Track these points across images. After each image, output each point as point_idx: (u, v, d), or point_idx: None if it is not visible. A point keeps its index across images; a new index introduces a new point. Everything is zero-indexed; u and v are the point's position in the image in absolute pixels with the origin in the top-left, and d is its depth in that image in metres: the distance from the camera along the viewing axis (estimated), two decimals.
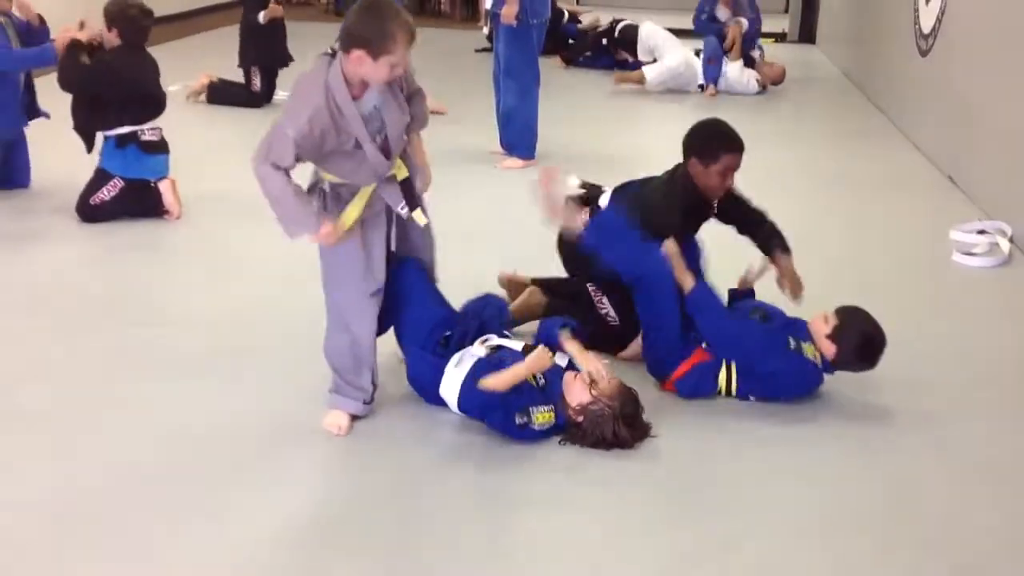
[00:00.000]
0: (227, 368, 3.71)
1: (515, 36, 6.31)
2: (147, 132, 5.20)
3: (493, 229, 5.43)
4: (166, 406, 3.44)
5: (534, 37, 6.42)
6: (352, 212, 3.24)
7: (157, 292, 4.45)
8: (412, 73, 3.30)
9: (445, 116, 7.97)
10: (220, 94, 8.13)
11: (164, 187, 5.26)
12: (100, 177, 5.20)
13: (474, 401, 3.20)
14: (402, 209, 3.32)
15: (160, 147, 5.27)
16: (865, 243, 5.43)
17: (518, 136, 6.61)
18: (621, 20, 10.75)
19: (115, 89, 5.06)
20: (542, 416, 3.22)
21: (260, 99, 8.08)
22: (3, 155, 5.50)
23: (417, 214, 3.37)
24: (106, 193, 5.17)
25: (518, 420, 3.18)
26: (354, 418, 3.36)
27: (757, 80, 9.48)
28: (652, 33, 9.81)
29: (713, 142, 3.83)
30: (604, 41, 10.62)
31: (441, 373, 3.31)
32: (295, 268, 4.65)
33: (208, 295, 4.38)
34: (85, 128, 5.22)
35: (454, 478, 3.10)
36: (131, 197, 5.21)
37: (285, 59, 8.18)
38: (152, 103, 5.25)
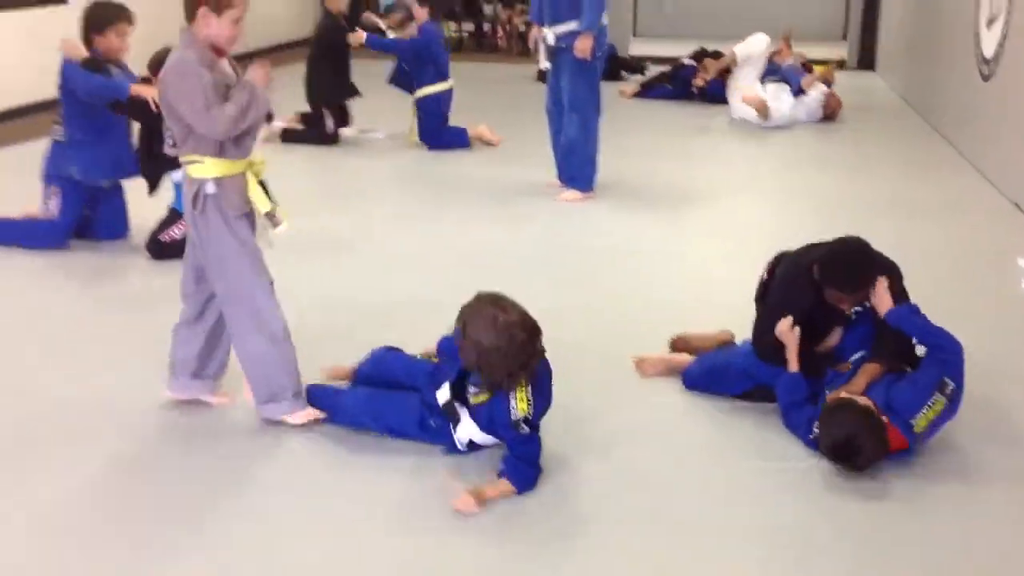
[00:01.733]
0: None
1: (581, 69, 6.37)
2: None
3: (552, 260, 5.46)
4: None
5: (598, 70, 6.49)
6: (260, 197, 3.38)
7: None
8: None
9: (499, 148, 8.07)
10: (294, 134, 8.28)
11: None
12: (172, 216, 5.34)
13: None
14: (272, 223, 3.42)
15: None
16: (932, 271, 5.35)
17: (578, 168, 6.64)
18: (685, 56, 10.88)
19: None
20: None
21: (333, 139, 8.22)
22: (98, 205, 5.59)
23: (281, 212, 3.50)
24: (176, 231, 5.30)
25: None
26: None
27: (822, 106, 9.49)
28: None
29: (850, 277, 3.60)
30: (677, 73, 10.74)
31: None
32: (364, 303, 4.75)
33: None
34: (150, 173, 5.39)
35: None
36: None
37: (353, 92, 8.33)
38: None
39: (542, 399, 3.25)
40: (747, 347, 3.79)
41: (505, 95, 11.03)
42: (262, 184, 3.48)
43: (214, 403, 3.66)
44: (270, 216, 3.43)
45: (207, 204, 3.34)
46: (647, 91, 10.85)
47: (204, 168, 3.33)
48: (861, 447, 3.24)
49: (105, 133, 5.37)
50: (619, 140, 7.86)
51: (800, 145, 8.63)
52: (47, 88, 5.77)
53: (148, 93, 5.15)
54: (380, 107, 8.80)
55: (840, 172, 7.50)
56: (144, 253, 5.33)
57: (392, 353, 3.71)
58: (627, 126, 8.98)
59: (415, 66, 8.04)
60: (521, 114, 9.20)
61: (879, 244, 3.68)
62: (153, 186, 5.43)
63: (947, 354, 3.39)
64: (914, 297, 3.59)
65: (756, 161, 8.16)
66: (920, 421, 3.33)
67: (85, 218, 5.57)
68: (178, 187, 5.31)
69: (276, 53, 14.10)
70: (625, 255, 5.55)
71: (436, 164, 7.73)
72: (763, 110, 9.13)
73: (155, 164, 5.33)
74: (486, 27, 15.84)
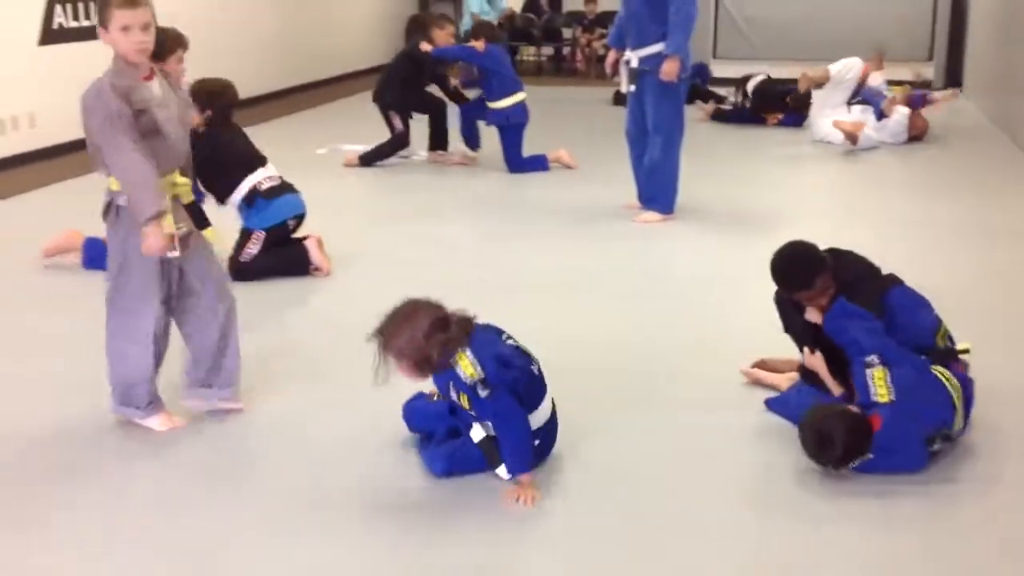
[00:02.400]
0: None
1: (666, 92, 6.37)
2: (265, 181, 5.43)
3: (631, 281, 5.45)
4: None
5: (683, 93, 6.50)
6: (167, 219, 3.40)
7: (304, 346, 4.57)
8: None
9: (577, 170, 8.12)
10: (372, 157, 8.43)
11: (311, 245, 5.44)
12: (243, 236, 5.42)
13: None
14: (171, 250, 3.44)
15: (284, 189, 5.49)
16: (1017, 299, 5.24)
17: (660, 190, 6.63)
18: (754, 76, 10.78)
19: (216, 154, 5.28)
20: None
21: (405, 137, 8.41)
22: None
23: (210, 232, 3.60)
24: (252, 248, 5.38)
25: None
26: None
27: (906, 128, 9.36)
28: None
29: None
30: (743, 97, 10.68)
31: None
32: None
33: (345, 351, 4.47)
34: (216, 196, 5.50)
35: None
36: (279, 253, 5.42)
37: (420, 108, 8.50)
38: (250, 160, 5.48)
39: (486, 353, 3.24)
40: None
41: (583, 118, 11.07)
42: (192, 205, 3.57)
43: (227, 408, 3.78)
44: (171, 238, 3.42)
45: (118, 215, 3.46)
46: (724, 114, 10.81)
47: (118, 183, 3.42)
48: (833, 436, 3.24)
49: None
50: (699, 162, 7.81)
51: (884, 168, 8.52)
52: None
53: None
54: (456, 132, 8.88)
55: (924, 195, 7.38)
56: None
57: (410, 406, 3.68)
58: (707, 149, 8.94)
59: (482, 82, 8.33)
60: (599, 136, 9.23)
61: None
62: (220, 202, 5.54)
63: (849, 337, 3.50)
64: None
65: (838, 184, 8.06)
66: (880, 391, 3.36)
67: None
68: (240, 207, 5.43)
69: (365, 77, 14.37)
70: (705, 278, 5.52)
71: (515, 187, 7.79)
72: (853, 136, 9.04)
73: (215, 193, 5.44)
74: (565, 51, 15.93)
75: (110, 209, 3.49)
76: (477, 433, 3.36)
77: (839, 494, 3.28)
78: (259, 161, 5.50)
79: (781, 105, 10.28)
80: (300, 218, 5.51)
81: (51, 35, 8.57)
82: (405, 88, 8.38)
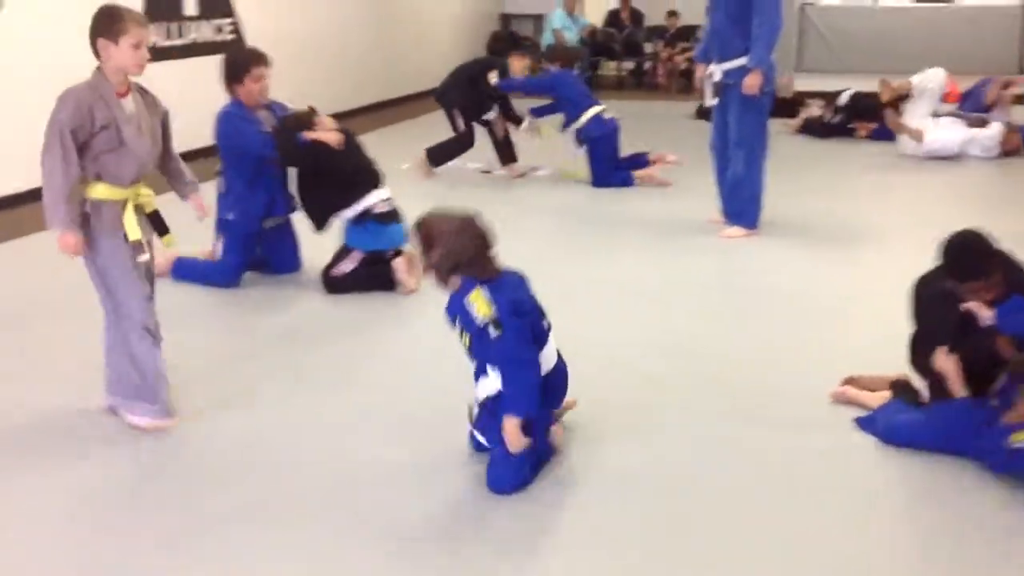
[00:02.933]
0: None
1: (750, 105, 6.34)
2: (380, 205, 5.49)
3: (714, 296, 5.42)
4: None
5: (767, 106, 6.45)
6: (131, 226, 3.68)
7: (391, 357, 4.62)
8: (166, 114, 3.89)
9: (659, 183, 8.12)
10: (438, 155, 8.57)
11: (397, 264, 5.49)
12: (343, 251, 5.52)
13: None
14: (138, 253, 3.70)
15: (394, 217, 5.56)
16: None
17: (743, 205, 6.58)
18: (846, 90, 10.66)
19: (329, 162, 5.40)
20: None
21: (469, 137, 8.55)
22: (269, 243, 5.81)
23: (168, 239, 3.89)
24: (347, 265, 5.49)
25: None
26: None
27: (999, 143, 9.19)
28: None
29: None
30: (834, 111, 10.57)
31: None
32: None
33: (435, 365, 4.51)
34: (316, 212, 5.61)
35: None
36: (369, 272, 5.50)
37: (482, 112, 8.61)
38: (366, 174, 5.55)
39: (504, 296, 3.28)
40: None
41: (665, 133, 11.02)
42: (155, 214, 3.82)
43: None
44: (136, 244, 3.70)
45: (87, 220, 3.65)
46: (812, 127, 10.69)
47: (89, 188, 3.63)
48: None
49: (256, 179, 5.59)
50: (785, 176, 7.73)
51: (974, 183, 8.34)
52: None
53: (327, 138, 5.37)
54: (545, 145, 8.91)
55: (1014, 211, 7.21)
56: (318, 287, 5.52)
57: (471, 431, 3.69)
58: (793, 162, 8.84)
59: (557, 107, 8.42)
60: (681, 150, 9.18)
61: None
62: (319, 225, 5.64)
63: None
64: None
65: (925, 199, 7.90)
66: None
67: (260, 255, 5.81)
68: (346, 224, 5.53)
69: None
70: (789, 294, 5.46)
71: (597, 200, 7.79)
72: (918, 134, 9.07)
73: (319, 205, 5.55)
74: (646, 65, 15.88)
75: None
76: (484, 389, 3.40)
77: (945, 510, 3.22)
78: (377, 178, 5.58)
79: (873, 116, 10.12)
80: (399, 250, 5.56)
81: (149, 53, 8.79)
82: (472, 89, 8.50)
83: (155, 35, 8.92)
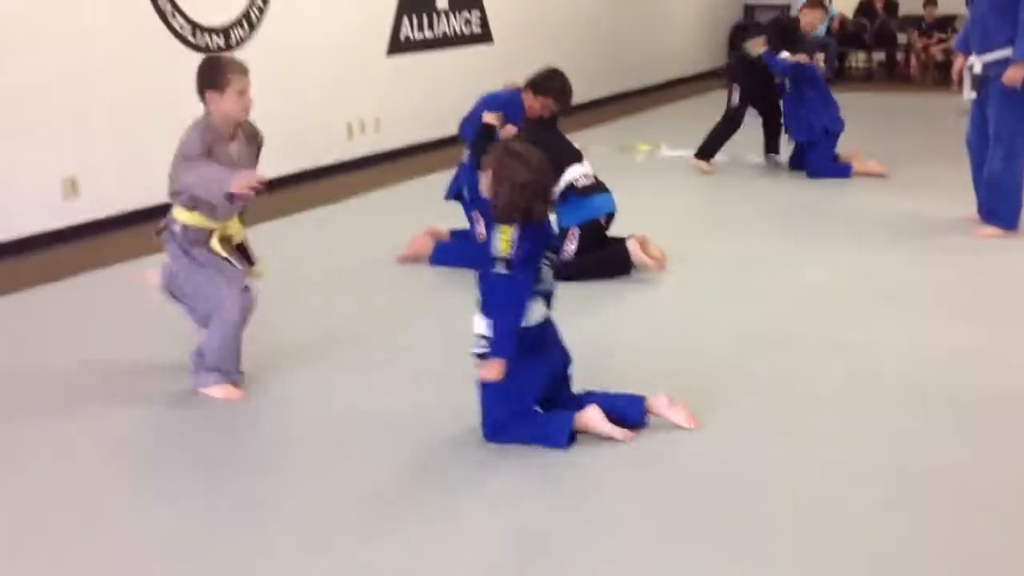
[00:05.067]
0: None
1: (1011, 99, 6.01)
2: (580, 179, 5.53)
3: (970, 299, 5.17)
4: None
5: None
6: (216, 248, 3.94)
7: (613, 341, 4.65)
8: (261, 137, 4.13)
9: (910, 180, 7.79)
10: (706, 146, 8.48)
11: (631, 245, 5.51)
12: (560, 235, 5.51)
13: None
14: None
15: (597, 188, 5.59)
16: None
17: (1001, 203, 6.25)
18: None
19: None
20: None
21: (739, 112, 8.37)
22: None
23: (255, 270, 4.09)
24: (571, 245, 5.52)
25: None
26: None
27: None
28: None
29: None
30: None
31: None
32: (764, 336, 4.72)
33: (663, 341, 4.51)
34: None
35: None
36: (600, 255, 5.54)
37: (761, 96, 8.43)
38: (567, 156, 5.57)
39: (529, 246, 3.40)
40: None
41: (918, 126, 10.58)
42: (241, 246, 4.07)
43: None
44: (226, 263, 3.95)
45: (172, 237, 3.95)
46: None
47: (178, 212, 3.94)
48: None
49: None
50: None
51: None
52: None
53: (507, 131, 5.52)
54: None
55: None
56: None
57: None
58: None
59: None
60: (935, 145, 8.82)
61: None
62: None
63: None
64: None
65: None
66: None
67: None
68: (556, 209, 5.47)
69: (688, 84, 14.44)
70: None
71: (836, 195, 7.56)
72: None
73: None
74: (899, 56, 15.25)
75: (164, 231, 3.99)
76: (479, 325, 3.50)
77: None
78: (576, 157, 5.64)
79: None
80: (611, 216, 5.61)
81: (398, 45, 9.18)
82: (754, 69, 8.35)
83: (407, 29, 9.29)
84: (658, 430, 3.64)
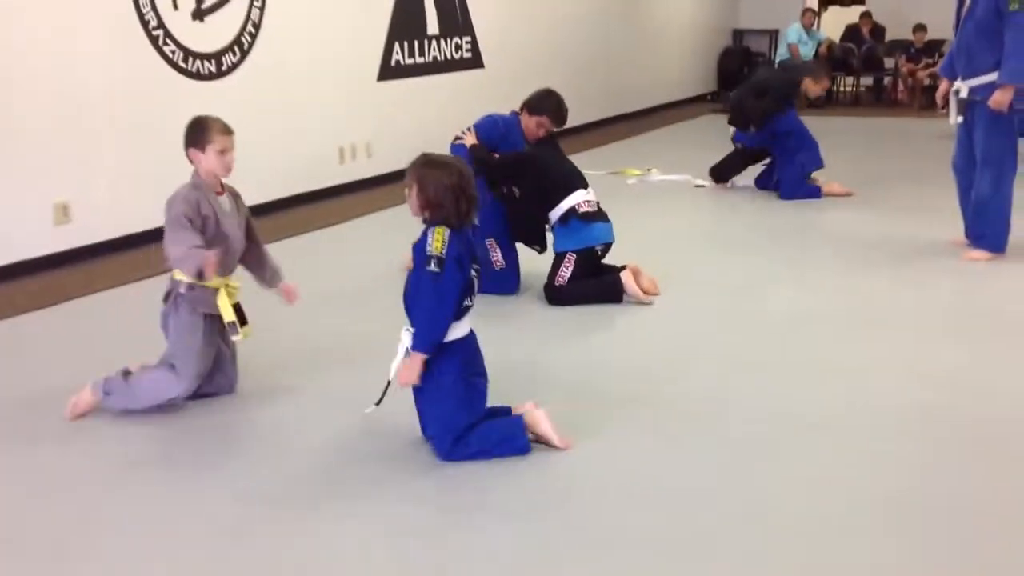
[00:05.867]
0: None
1: (998, 123, 6.08)
2: (583, 204, 5.56)
3: (957, 323, 5.19)
4: None
5: (1016, 123, 6.14)
6: (225, 308, 3.99)
7: (615, 366, 4.65)
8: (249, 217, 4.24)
9: (895, 203, 7.85)
10: (722, 172, 8.80)
11: (625, 276, 5.54)
12: (557, 259, 5.60)
13: None
14: (232, 332, 4.03)
15: (598, 216, 5.62)
16: None
17: (988, 227, 6.29)
18: None
19: (542, 171, 5.58)
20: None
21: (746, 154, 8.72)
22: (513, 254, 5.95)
23: (246, 330, 4.05)
24: (565, 271, 5.55)
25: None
26: None
27: None
28: None
29: None
30: None
31: None
32: (760, 362, 4.73)
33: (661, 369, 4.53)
34: (528, 236, 5.80)
35: None
36: (593, 282, 5.56)
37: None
38: (573, 180, 5.63)
39: (460, 249, 3.46)
40: None
41: (904, 150, 10.64)
42: (236, 306, 4.06)
43: None
44: (231, 326, 4.01)
45: (178, 301, 4.00)
46: None
47: (179, 274, 3.98)
48: None
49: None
50: None
51: None
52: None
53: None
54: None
55: None
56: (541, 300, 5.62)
57: None
58: None
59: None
60: (921, 169, 8.88)
61: None
62: (540, 243, 5.85)
63: None
64: None
65: None
66: None
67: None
68: (555, 227, 5.62)
69: (678, 108, 14.51)
70: None
71: (825, 218, 7.61)
72: None
73: (529, 216, 5.70)
74: (886, 81, 15.36)
75: (170, 296, 4.03)
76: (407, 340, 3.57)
77: None
78: (582, 182, 5.68)
79: None
80: (608, 246, 5.64)
81: (389, 71, 9.23)
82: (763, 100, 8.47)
83: (398, 54, 9.34)
84: (639, 449, 3.65)
